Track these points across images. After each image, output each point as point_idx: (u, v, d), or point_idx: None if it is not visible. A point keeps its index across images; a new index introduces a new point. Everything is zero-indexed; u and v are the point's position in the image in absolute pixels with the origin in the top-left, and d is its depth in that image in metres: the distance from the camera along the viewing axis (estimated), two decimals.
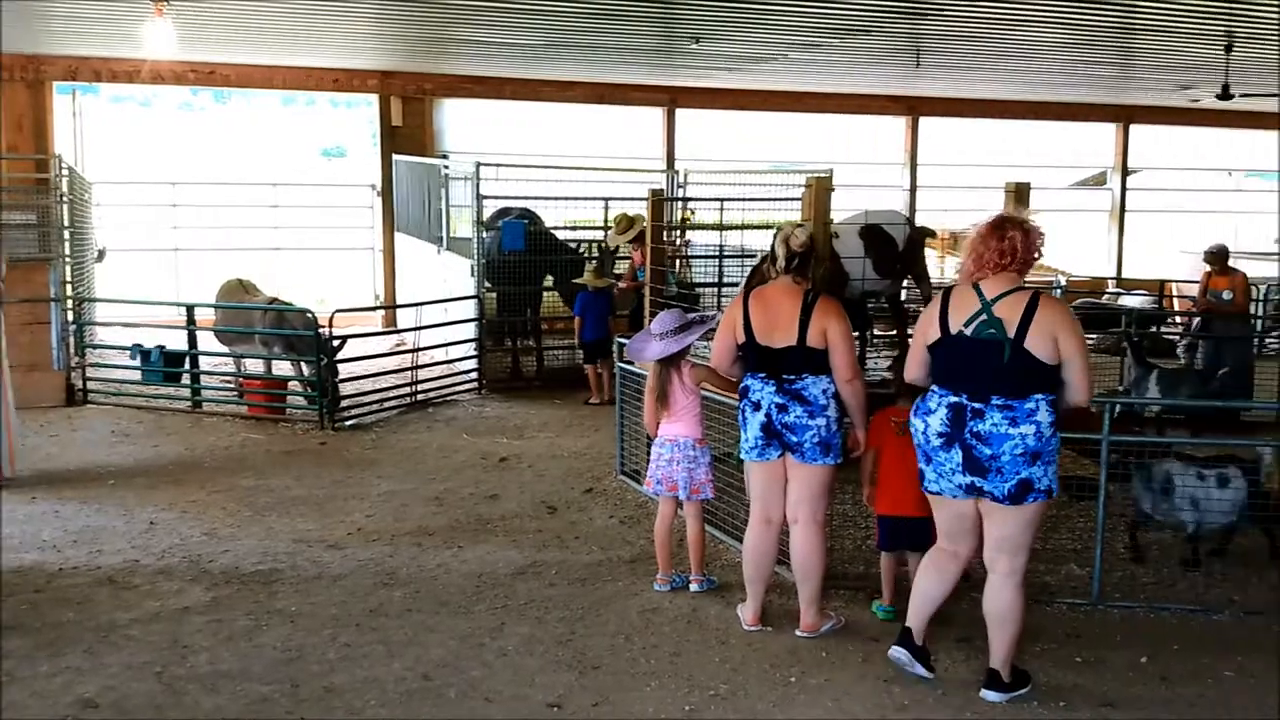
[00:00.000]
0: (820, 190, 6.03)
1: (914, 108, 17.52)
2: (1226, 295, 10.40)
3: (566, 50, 12.65)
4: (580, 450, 8.93)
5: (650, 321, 6.17)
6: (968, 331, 4.27)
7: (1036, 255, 4.39)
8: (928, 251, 17.11)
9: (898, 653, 4.65)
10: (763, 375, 5.02)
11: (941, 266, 17.63)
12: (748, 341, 5.05)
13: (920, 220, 17.22)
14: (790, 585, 5.32)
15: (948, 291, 4.48)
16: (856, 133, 18.11)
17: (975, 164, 18.06)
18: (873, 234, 7.22)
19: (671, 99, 16.22)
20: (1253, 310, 13.56)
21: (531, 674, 4.70)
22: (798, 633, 5.11)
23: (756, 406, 5.03)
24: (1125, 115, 18.22)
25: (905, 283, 8.12)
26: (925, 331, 4.46)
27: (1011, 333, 4.19)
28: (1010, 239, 4.30)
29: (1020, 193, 5.70)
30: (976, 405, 4.22)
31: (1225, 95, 12.15)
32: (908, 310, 8.66)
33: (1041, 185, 18.91)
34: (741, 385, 5.16)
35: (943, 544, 4.58)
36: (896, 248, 7.25)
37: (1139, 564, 6.15)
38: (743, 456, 5.25)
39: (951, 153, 18.29)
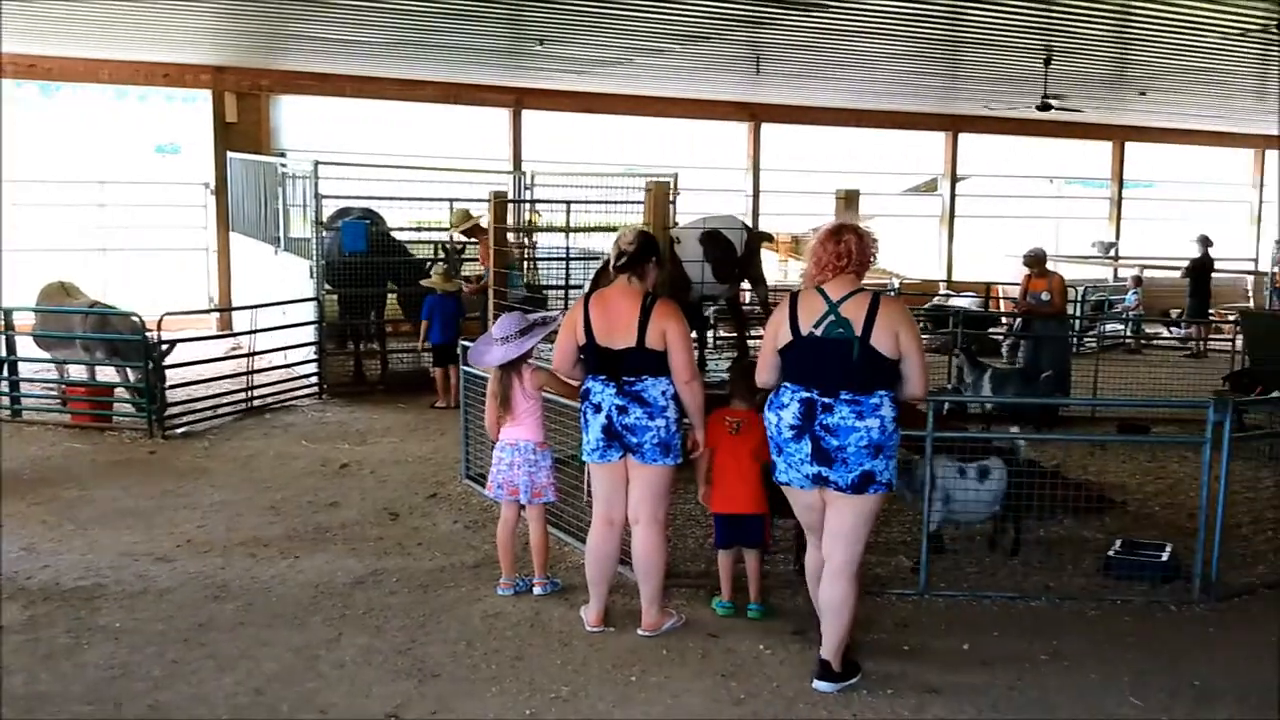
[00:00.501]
0: (660, 195, 6.11)
1: (756, 114, 17.93)
2: (1045, 296, 10.96)
3: (410, 49, 12.49)
4: (425, 455, 8.81)
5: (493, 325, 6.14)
6: (818, 332, 4.45)
7: (872, 258, 4.62)
8: (768, 255, 17.63)
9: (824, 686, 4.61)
10: (603, 377, 5.06)
11: (784, 269, 18.08)
12: (588, 343, 5.08)
13: (763, 224, 17.68)
14: (633, 585, 5.37)
15: (794, 296, 4.64)
16: (702, 138, 18.43)
17: (815, 170, 18.58)
18: (712, 239, 7.34)
19: (517, 100, 16.18)
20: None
21: (369, 685, 4.62)
22: (639, 632, 5.16)
23: (597, 409, 5.06)
24: (954, 124, 19.07)
25: (744, 286, 8.27)
26: (775, 335, 4.60)
27: (859, 331, 4.40)
28: (846, 243, 4.52)
29: (850, 199, 5.90)
30: (826, 400, 4.41)
31: (1044, 107, 12.81)
32: (747, 313, 8.82)
33: (877, 191, 19.64)
34: (582, 388, 5.19)
35: (813, 545, 4.74)
36: (735, 252, 7.39)
37: (939, 554, 6.19)
38: (584, 459, 5.28)
39: (793, 158, 18.79)
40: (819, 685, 4.60)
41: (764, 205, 18.35)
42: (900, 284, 16.77)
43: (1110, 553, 6.25)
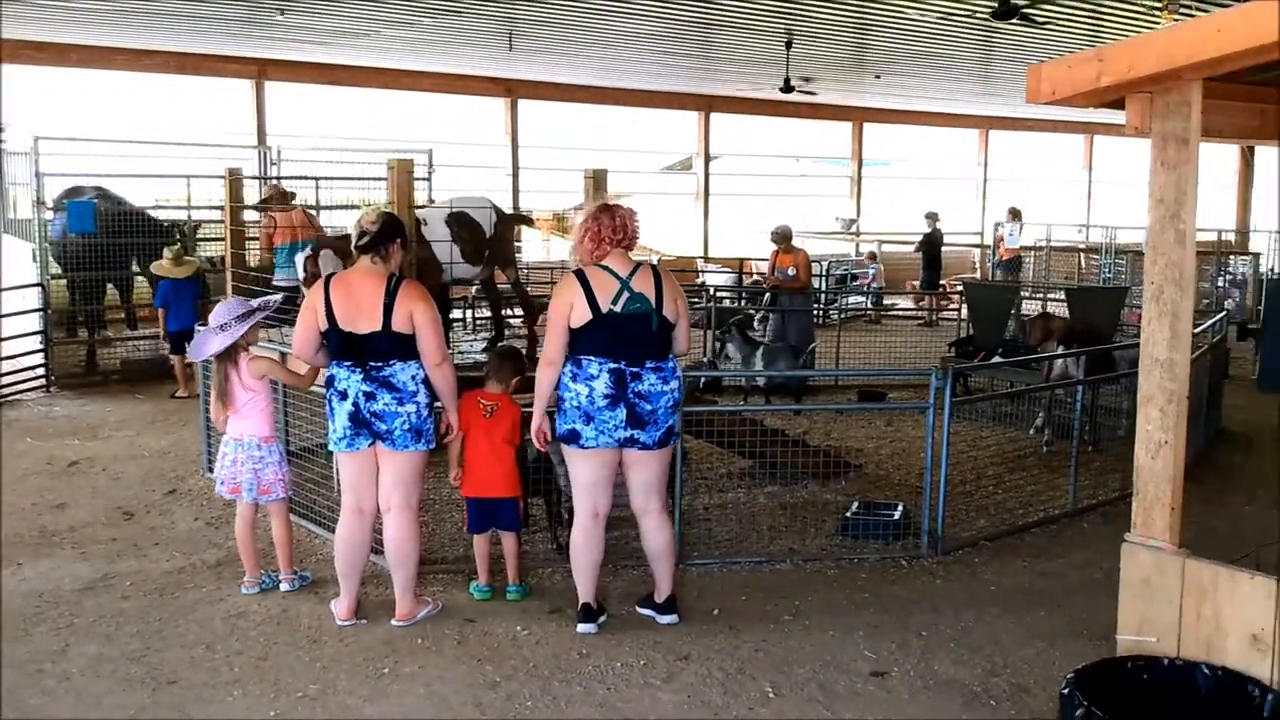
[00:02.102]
0: (403, 173, 5.95)
1: (512, 90, 17.79)
2: (791, 271, 11.45)
3: (139, 16, 11.66)
4: (164, 449, 8.32)
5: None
6: (617, 308, 4.74)
7: (638, 235, 4.94)
8: (533, 234, 17.61)
9: (587, 628, 4.98)
10: (349, 363, 4.90)
11: (547, 247, 18.11)
12: (330, 328, 4.90)
13: (524, 201, 17.63)
14: (387, 575, 5.25)
15: (582, 275, 4.80)
16: (461, 114, 18.17)
17: (575, 147, 18.67)
18: (458, 220, 7.24)
19: (260, 71, 15.40)
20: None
21: (99, 696, 4.32)
22: (393, 622, 5.05)
23: (343, 395, 4.90)
24: (706, 104, 19.56)
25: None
26: (566, 315, 4.77)
27: (654, 304, 4.77)
28: (622, 218, 4.87)
29: (598, 179, 5.94)
30: (634, 369, 4.75)
31: (787, 88, 13.32)
32: (502, 295, 8.77)
33: (635, 169, 19.94)
34: (327, 374, 5.01)
35: (585, 510, 4.93)
36: (484, 233, 7.32)
37: (563, 526, 5.96)
38: (332, 448, 5.11)
39: (553, 136, 18.80)
40: (667, 619, 5.08)
41: (524, 183, 18.27)
42: (659, 260, 17.09)
43: (848, 514, 6.61)
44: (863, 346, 12.86)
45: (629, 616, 5.19)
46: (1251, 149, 21.37)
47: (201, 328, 6.41)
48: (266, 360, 5.35)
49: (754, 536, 6.44)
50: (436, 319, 5.03)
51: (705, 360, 11.31)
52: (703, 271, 18.24)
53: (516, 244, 13.53)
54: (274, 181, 11.31)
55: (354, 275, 4.98)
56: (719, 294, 14.06)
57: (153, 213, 11.96)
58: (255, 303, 5.54)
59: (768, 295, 12.04)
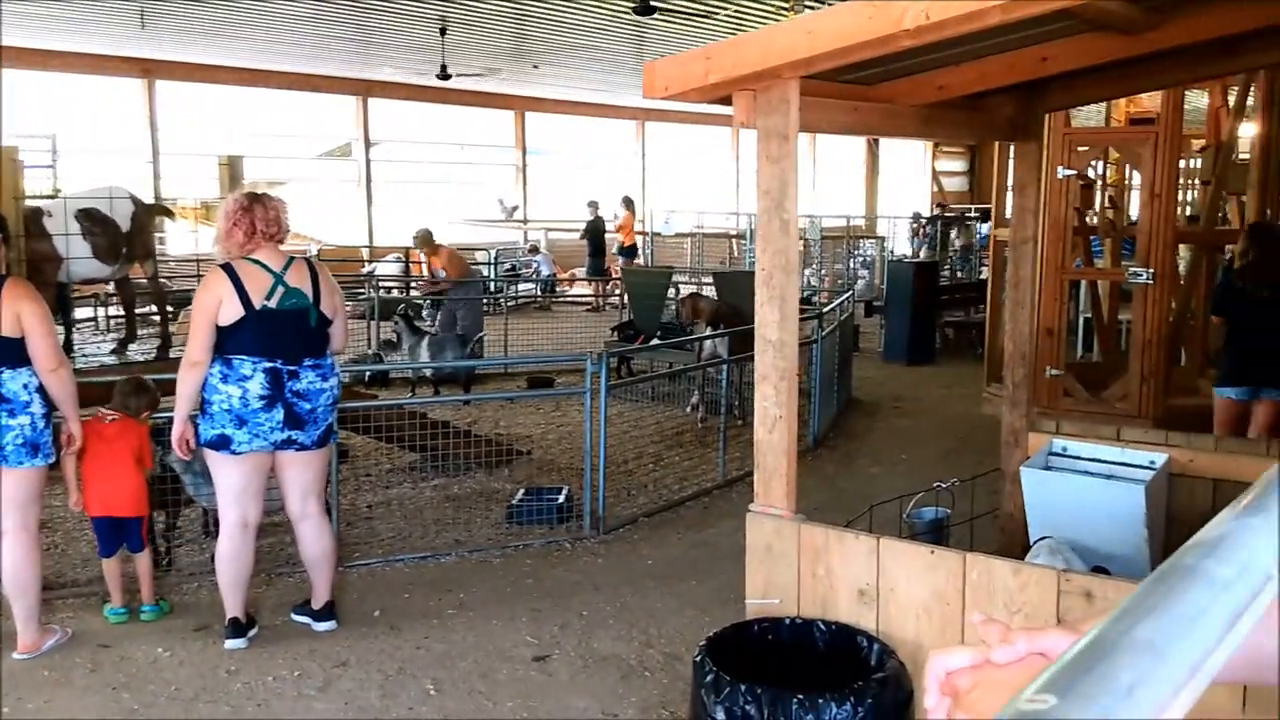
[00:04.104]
0: (7, 161, 5.37)
1: (150, 70, 16.54)
2: (441, 273, 11.46)
3: None
4: None
5: None
6: (271, 304, 4.51)
7: (289, 226, 4.75)
8: (180, 224, 16.46)
9: (236, 643, 4.72)
10: None
11: (195, 238, 17.00)
12: None
13: (166, 189, 16.45)
14: (7, 605, 4.74)
15: (230, 269, 4.53)
16: (96, 96, 16.70)
17: (226, 132, 17.63)
18: (92, 217, 6.64)
19: None
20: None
21: None
22: (15, 655, 4.59)
23: None
24: (365, 89, 19.03)
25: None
26: (214, 312, 4.48)
27: (311, 299, 4.59)
28: (272, 209, 4.63)
29: (233, 166, 5.63)
30: (291, 368, 4.55)
31: (444, 75, 13.21)
32: (137, 290, 8.13)
33: (292, 155, 19.09)
34: None
35: (233, 521, 4.63)
36: (120, 229, 6.75)
37: (210, 537, 5.71)
38: None
39: (199, 119, 17.66)
40: (325, 625, 4.90)
41: (166, 169, 17.04)
42: (320, 250, 16.46)
43: (514, 500, 6.66)
44: (533, 333, 13.02)
45: (283, 627, 4.98)
46: (876, 141, 23.47)
47: None
48: None
49: (419, 532, 6.36)
50: (48, 319, 4.60)
51: (370, 353, 11.04)
52: (369, 261, 17.79)
53: (160, 235, 12.64)
54: None
55: None
56: (384, 283, 13.74)
57: None
58: None
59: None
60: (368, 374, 10.31)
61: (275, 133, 18.17)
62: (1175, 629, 0.46)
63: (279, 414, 4.56)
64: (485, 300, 13.38)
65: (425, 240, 11.47)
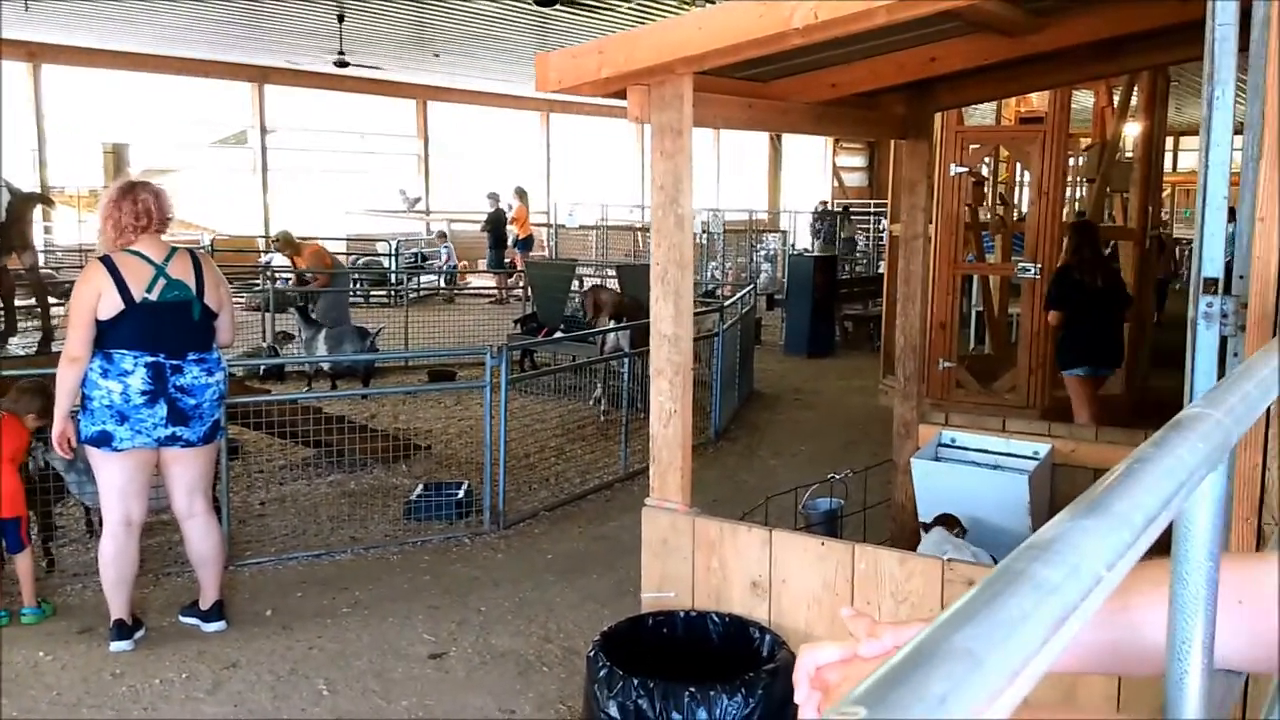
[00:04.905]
0: None
1: (35, 54, 15.91)
2: (308, 275, 11.27)
3: None
4: None
5: None
6: (152, 297, 4.40)
7: (171, 215, 4.60)
8: (66, 213, 15.88)
9: (121, 645, 4.59)
10: None
11: (82, 226, 16.42)
12: None
13: (51, 176, 15.85)
14: None
15: (109, 261, 4.40)
16: None
17: (115, 119, 17.03)
18: None
19: None
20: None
21: None
22: None
23: None
24: (261, 75, 18.58)
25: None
26: (93, 306, 4.36)
27: (195, 291, 4.48)
28: (144, 202, 4.47)
29: (118, 154, 5.45)
30: (175, 362, 4.43)
31: (341, 63, 12.97)
32: (17, 282, 7.81)
33: (185, 143, 18.55)
34: None
35: (117, 520, 4.50)
36: None
37: (94, 537, 5.43)
38: None
39: (87, 104, 17.03)
40: (214, 626, 4.76)
41: (52, 156, 16.40)
42: (214, 240, 16.03)
43: (412, 496, 6.58)
44: (435, 326, 12.85)
45: (171, 628, 4.84)
46: (779, 136, 23.73)
47: None
48: None
49: (314, 529, 6.23)
50: None
51: (265, 346, 10.79)
52: (264, 252, 17.38)
53: (46, 225, 12.17)
54: None
55: None
56: (280, 274, 13.44)
57: None
58: None
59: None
60: (262, 368, 10.08)
61: (167, 119, 17.61)
62: (996, 635, 0.46)
63: (162, 410, 4.44)
64: (387, 293, 13.19)
65: (287, 242, 11.30)
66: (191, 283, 4.51)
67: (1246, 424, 0.93)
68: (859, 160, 28.61)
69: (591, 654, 2.93)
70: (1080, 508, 0.64)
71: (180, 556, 5.25)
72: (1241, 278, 2.06)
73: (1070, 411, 6.68)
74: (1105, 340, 6.66)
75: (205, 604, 4.83)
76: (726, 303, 9.47)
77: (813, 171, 27.77)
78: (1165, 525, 0.68)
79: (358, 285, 16.08)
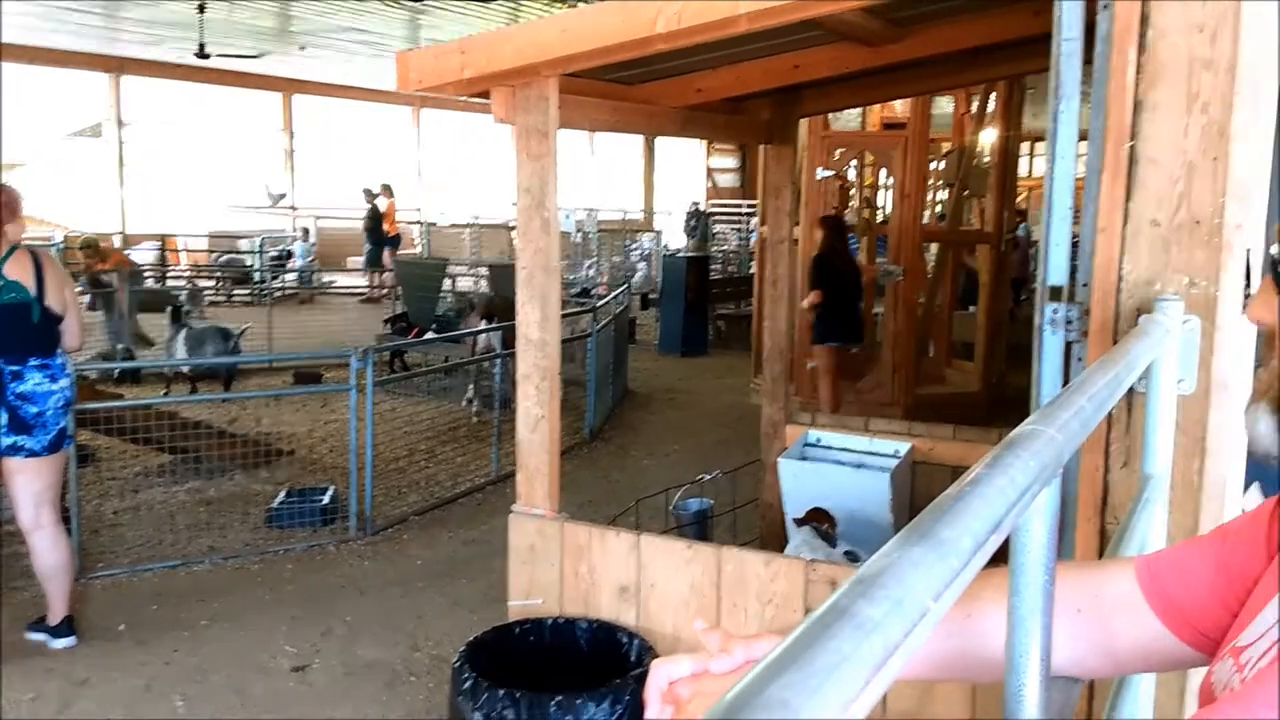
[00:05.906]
0: None
1: None
2: (114, 278, 10.95)
3: None
4: None
5: None
6: None
7: (16, 213, 4.38)
8: None
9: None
10: None
11: None
12: None
13: None
14: None
15: None
16: None
17: None
18: None
19: None
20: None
21: None
22: None
23: None
24: (118, 66, 17.81)
25: None
26: None
27: (34, 293, 4.29)
28: None
29: None
30: (15, 368, 4.27)
31: (203, 54, 12.53)
32: None
33: (36, 135, 17.66)
34: None
35: None
36: None
37: None
38: None
39: None
40: (63, 642, 4.58)
41: None
42: (66, 237, 15.28)
43: (275, 503, 6.39)
44: (302, 327, 12.51)
45: (18, 645, 4.59)
46: (652, 138, 23.85)
47: None
48: None
49: (170, 538, 6.00)
50: None
51: (120, 347, 10.35)
52: (128, 249, 16.67)
53: None
54: None
55: None
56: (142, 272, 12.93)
57: None
58: None
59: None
60: (117, 371, 9.67)
61: (15, 111, 16.71)
62: (812, 683, 0.45)
63: (2, 418, 4.28)
64: (250, 291, 12.80)
65: (86, 244, 11.00)
66: (30, 284, 4.32)
67: (1080, 438, 0.95)
68: (731, 161, 28.98)
69: (456, 664, 2.88)
70: (911, 535, 0.64)
71: (26, 570, 4.98)
72: (1085, 285, 2.14)
73: (818, 389, 7.71)
74: (854, 319, 7.74)
75: (54, 619, 4.60)
76: (601, 303, 9.47)
77: (687, 171, 28.01)
78: (997, 546, 0.69)
79: (219, 284, 15.60)
